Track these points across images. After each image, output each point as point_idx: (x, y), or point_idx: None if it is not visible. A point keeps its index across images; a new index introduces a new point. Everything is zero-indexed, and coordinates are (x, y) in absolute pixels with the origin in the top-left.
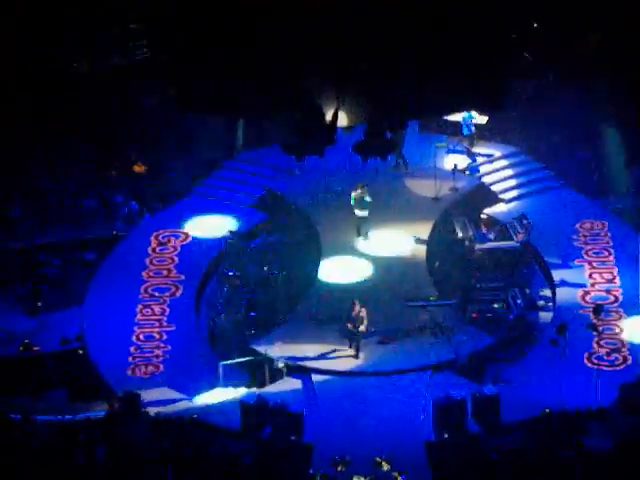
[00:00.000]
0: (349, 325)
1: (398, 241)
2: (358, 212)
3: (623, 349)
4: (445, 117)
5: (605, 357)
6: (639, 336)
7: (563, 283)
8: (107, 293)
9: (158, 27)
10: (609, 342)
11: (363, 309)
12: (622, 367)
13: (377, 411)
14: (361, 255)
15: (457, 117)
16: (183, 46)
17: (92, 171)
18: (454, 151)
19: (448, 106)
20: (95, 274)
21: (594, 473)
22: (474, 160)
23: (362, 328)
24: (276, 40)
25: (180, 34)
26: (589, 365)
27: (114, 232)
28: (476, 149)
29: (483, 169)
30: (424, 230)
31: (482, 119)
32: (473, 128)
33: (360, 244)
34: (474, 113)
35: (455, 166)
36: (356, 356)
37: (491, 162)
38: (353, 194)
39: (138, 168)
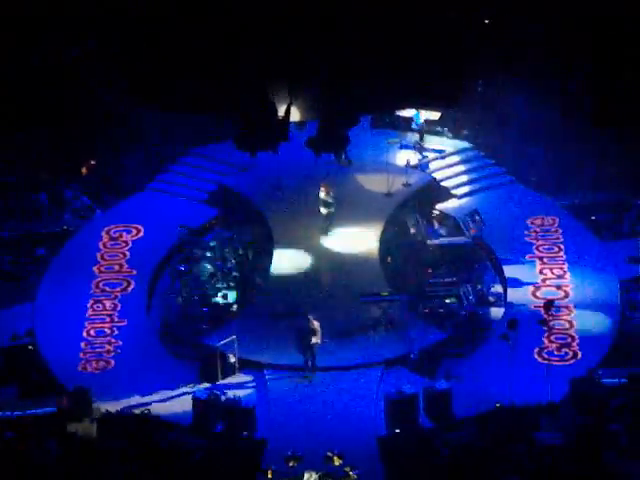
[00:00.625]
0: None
1: (352, 238)
2: (323, 210)
3: (573, 344)
4: (397, 113)
5: (555, 352)
6: (588, 328)
7: (514, 279)
8: (58, 288)
9: (110, 20)
10: (559, 337)
11: (316, 322)
12: (572, 362)
13: (329, 407)
14: (315, 251)
15: (409, 113)
16: (136, 40)
17: (43, 165)
18: (406, 147)
19: (402, 102)
20: (46, 269)
21: (545, 467)
22: (424, 156)
23: (315, 340)
24: (229, 37)
25: (133, 28)
26: (539, 360)
27: (65, 227)
28: (428, 145)
29: (435, 165)
30: (377, 226)
31: (435, 115)
32: (421, 123)
33: (314, 240)
34: (421, 111)
35: (407, 162)
36: (313, 370)
37: (443, 158)
38: (320, 194)
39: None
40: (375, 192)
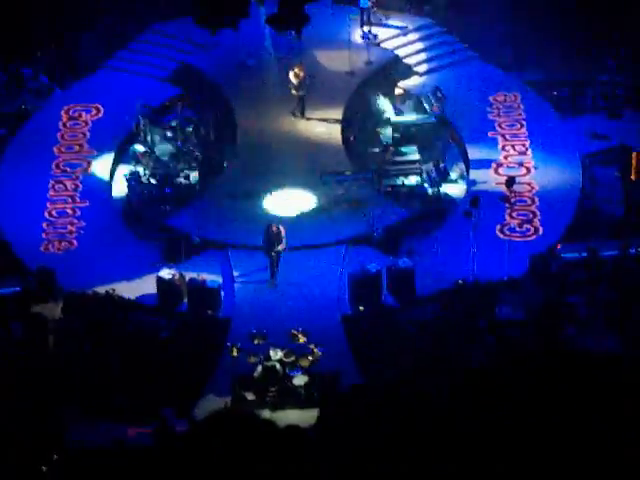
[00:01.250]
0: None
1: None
2: (295, 92)
3: (534, 220)
4: None
5: (517, 228)
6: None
7: (476, 156)
8: (18, 169)
9: None
10: (521, 213)
11: (281, 227)
12: (533, 237)
13: (293, 286)
14: (277, 130)
15: None
16: None
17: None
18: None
19: None
20: (5, 150)
21: (506, 341)
22: (367, 37)
23: (280, 247)
24: None
25: None
26: (501, 236)
27: (23, 107)
28: (390, 21)
29: (397, 42)
30: (339, 105)
31: None
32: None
33: (276, 120)
34: None
35: (369, 38)
36: (274, 283)
37: (405, 34)
38: (291, 73)
39: None
40: (337, 70)
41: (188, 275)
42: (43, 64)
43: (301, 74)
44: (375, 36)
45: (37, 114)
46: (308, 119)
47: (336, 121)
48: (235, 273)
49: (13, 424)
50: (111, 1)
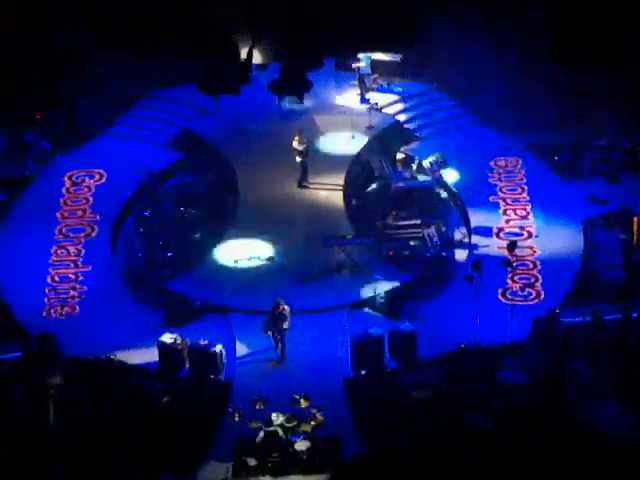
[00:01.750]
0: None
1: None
2: (298, 159)
3: (536, 284)
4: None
5: (519, 292)
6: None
7: (478, 220)
8: (20, 234)
9: None
10: (523, 277)
11: (286, 307)
12: (535, 302)
13: (295, 349)
14: (279, 195)
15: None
16: None
17: (2, 109)
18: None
19: (361, 44)
20: (7, 215)
21: (509, 406)
22: (367, 101)
23: (285, 326)
24: None
25: None
26: (503, 301)
27: (25, 172)
28: (393, 86)
29: (398, 107)
30: (341, 169)
31: (396, 57)
32: (365, 69)
33: (278, 184)
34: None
35: (371, 104)
36: (282, 358)
37: (405, 99)
38: (294, 141)
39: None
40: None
41: (190, 340)
42: (45, 130)
43: (304, 140)
44: (376, 103)
45: (40, 179)
46: (307, 186)
47: (338, 185)
48: (236, 338)
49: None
50: (113, 67)
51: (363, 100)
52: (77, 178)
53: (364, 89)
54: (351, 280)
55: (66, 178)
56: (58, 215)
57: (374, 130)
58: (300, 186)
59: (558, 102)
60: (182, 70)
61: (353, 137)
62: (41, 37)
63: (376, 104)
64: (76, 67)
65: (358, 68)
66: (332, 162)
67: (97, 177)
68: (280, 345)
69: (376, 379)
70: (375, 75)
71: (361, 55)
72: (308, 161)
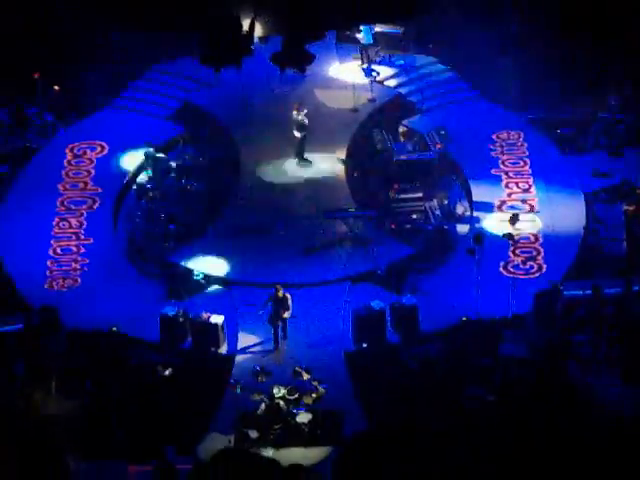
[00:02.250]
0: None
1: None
2: (297, 133)
3: (538, 257)
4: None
5: (521, 265)
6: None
7: (480, 193)
8: (22, 206)
9: None
10: (525, 251)
11: (287, 294)
12: (537, 275)
13: (297, 322)
14: (281, 168)
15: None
16: None
17: (4, 81)
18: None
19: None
20: (9, 188)
21: (510, 379)
22: (369, 74)
23: (286, 315)
24: None
25: None
26: (505, 274)
27: (27, 144)
28: (395, 59)
29: (400, 79)
30: (343, 142)
31: (398, 29)
32: (370, 39)
33: (281, 158)
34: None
35: (373, 77)
36: (279, 352)
37: (408, 72)
38: (293, 114)
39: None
40: (340, 108)
41: (192, 312)
42: (47, 103)
43: (303, 112)
44: (378, 74)
45: (41, 152)
46: (306, 159)
47: (340, 158)
48: (239, 310)
49: (15, 466)
50: (115, 40)
51: (367, 72)
52: (79, 150)
53: (366, 61)
54: (353, 253)
55: (67, 150)
56: (60, 187)
57: (376, 103)
58: (299, 159)
59: (561, 76)
60: (183, 42)
61: (355, 109)
62: (42, 8)
63: (377, 75)
64: (77, 40)
65: (359, 40)
66: (333, 135)
67: (99, 149)
68: (282, 334)
69: (377, 352)
70: (377, 48)
71: (362, 27)
72: (307, 134)
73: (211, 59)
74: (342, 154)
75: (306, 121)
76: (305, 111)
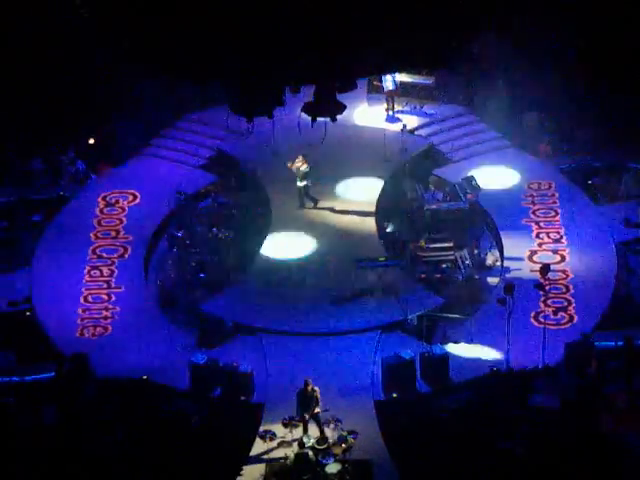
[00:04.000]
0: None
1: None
2: (300, 183)
3: (569, 307)
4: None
5: (552, 316)
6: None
7: (511, 243)
8: (54, 254)
9: None
10: (556, 301)
11: (316, 388)
12: (568, 325)
13: (327, 371)
14: (312, 217)
15: (405, 77)
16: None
17: (38, 130)
18: (403, 112)
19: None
20: (42, 235)
21: (541, 430)
22: (394, 118)
23: (317, 410)
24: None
25: None
26: (536, 324)
27: (61, 193)
28: (426, 109)
29: (432, 129)
30: (374, 191)
31: (428, 80)
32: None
33: (309, 210)
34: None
35: (404, 126)
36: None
37: (439, 122)
38: (295, 164)
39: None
40: (371, 157)
41: (222, 360)
42: (80, 151)
43: (304, 164)
44: (405, 125)
45: (74, 200)
46: (342, 205)
47: (370, 207)
48: (268, 358)
49: None
50: (148, 90)
51: (390, 119)
52: (111, 199)
53: (391, 109)
54: (383, 302)
55: (100, 198)
56: (92, 236)
57: (407, 152)
58: (313, 203)
59: (593, 125)
60: (216, 92)
61: (386, 159)
62: (77, 60)
63: (405, 126)
64: (110, 88)
65: (384, 88)
66: (366, 184)
67: (131, 198)
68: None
69: (407, 402)
70: (407, 98)
71: (387, 76)
72: (309, 185)
73: (243, 109)
74: (373, 202)
75: (308, 169)
76: (308, 162)
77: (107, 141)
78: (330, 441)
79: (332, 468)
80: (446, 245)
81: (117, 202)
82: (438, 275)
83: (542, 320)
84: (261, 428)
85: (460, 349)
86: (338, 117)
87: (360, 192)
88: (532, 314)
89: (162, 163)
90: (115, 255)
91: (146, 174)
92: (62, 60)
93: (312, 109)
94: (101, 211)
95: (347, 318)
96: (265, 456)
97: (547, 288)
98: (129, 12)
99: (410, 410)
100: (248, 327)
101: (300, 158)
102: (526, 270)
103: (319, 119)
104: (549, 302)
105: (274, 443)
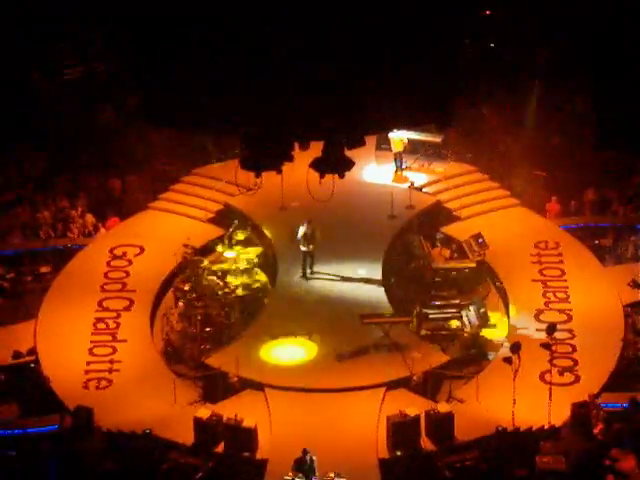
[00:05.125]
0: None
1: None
2: (304, 248)
3: (575, 368)
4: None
5: (558, 376)
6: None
7: (517, 302)
8: (61, 306)
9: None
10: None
11: (314, 457)
12: (574, 386)
13: (331, 427)
14: (316, 272)
15: (413, 135)
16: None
17: (45, 182)
18: (410, 168)
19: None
20: (49, 287)
21: None
22: (399, 165)
23: (312, 247)
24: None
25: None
26: (542, 383)
27: (69, 245)
28: (432, 167)
29: (438, 187)
30: (380, 248)
31: (436, 138)
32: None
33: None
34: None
35: (411, 183)
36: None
37: (446, 179)
38: (302, 229)
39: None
40: (378, 214)
41: (225, 415)
42: (89, 204)
43: (314, 229)
44: (412, 182)
45: (81, 252)
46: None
47: (377, 263)
48: (272, 413)
49: None
50: (157, 145)
51: (399, 176)
52: (118, 251)
53: (398, 168)
54: (388, 359)
55: (107, 251)
56: (98, 288)
57: (414, 209)
58: (305, 277)
59: (600, 185)
60: (224, 146)
61: (393, 216)
62: (87, 111)
63: (413, 183)
64: (118, 140)
65: (390, 147)
66: (372, 241)
67: (138, 251)
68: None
69: (412, 460)
70: (417, 155)
71: (393, 135)
72: (314, 250)
73: (251, 164)
74: (379, 258)
75: (314, 235)
76: (312, 227)
77: (116, 195)
78: None
79: None
80: (452, 302)
81: (124, 254)
82: (444, 332)
83: (548, 380)
84: None
85: (466, 407)
86: (346, 173)
87: (367, 249)
88: (538, 373)
89: (169, 216)
90: (121, 307)
91: (153, 227)
92: (73, 112)
93: (320, 165)
94: (108, 263)
95: (352, 374)
96: None
97: (553, 348)
98: (144, 61)
99: (415, 468)
100: (252, 382)
101: (308, 222)
102: (533, 329)
103: (327, 175)
104: (555, 362)
105: None
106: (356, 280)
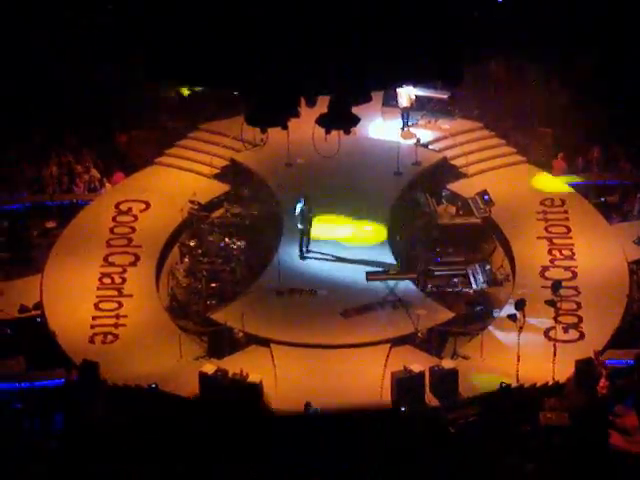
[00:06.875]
0: None
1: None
2: (300, 225)
3: (580, 324)
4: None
5: (562, 332)
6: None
7: (522, 259)
8: (66, 261)
9: None
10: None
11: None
12: (579, 342)
13: (336, 384)
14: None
15: (420, 91)
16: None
17: (54, 138)
18: (417, 125)
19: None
20: (55, 242)
21: (550, 447)
22: (406, 121)
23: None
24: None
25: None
26: (546, 340)
27: (74, 200)
28: (438, 123)
29: (445, 144)
30: (386, 205)
31: (443, 94)
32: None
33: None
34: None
35: (418, 140)
36: None
37: (453, 137)
38: (299, 206)
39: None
40: (384, 170)
41: (231, 370)
42: (94, 159)
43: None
44: (419, 138)
45: (87, 207)
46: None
47: (383, 220)
48: (277, 369)
49: None
50: (161, 101)
51: (406, 133)
52: (124, 207)
53: (404, 124)
54: (393, 315)
55: (113, 206)
56: (104, 243)
57: (420, 166)
58: (302, 257)
59: (606, 142)
60: (230, 103)
61: (399, 172)
62: (94, 69)
63: (419, 140)
64: (125, 98)
65: (396, 104)
66: (378, 197)
67: (144, 206)
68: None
69: (416, 416)
70: (422, 112)
71: (401, 90)
72: (309, 229)
73: (257, 120)
74: (385, 215)
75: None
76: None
77: (122, 150)
78: None
79: None
80: (458, 259)
81: (130, 210)
82: (449, 289)
83: (552, 336)
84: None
85: (470, 364)
86: (352, 129)
87: (373, 206)
88: (543, 330)
89: (175, 172)
90: (127, 263)
91: (159, 183)
92: (80, 69)
93: (326, 120)
94: (114, 219)
95: (357, 330)
96: None
97: (558, 304)
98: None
99: (419, 424)
100: (257, 337)
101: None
102: (538, 286)
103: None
104: (560, 318)
105: None
106: (362, 236)
